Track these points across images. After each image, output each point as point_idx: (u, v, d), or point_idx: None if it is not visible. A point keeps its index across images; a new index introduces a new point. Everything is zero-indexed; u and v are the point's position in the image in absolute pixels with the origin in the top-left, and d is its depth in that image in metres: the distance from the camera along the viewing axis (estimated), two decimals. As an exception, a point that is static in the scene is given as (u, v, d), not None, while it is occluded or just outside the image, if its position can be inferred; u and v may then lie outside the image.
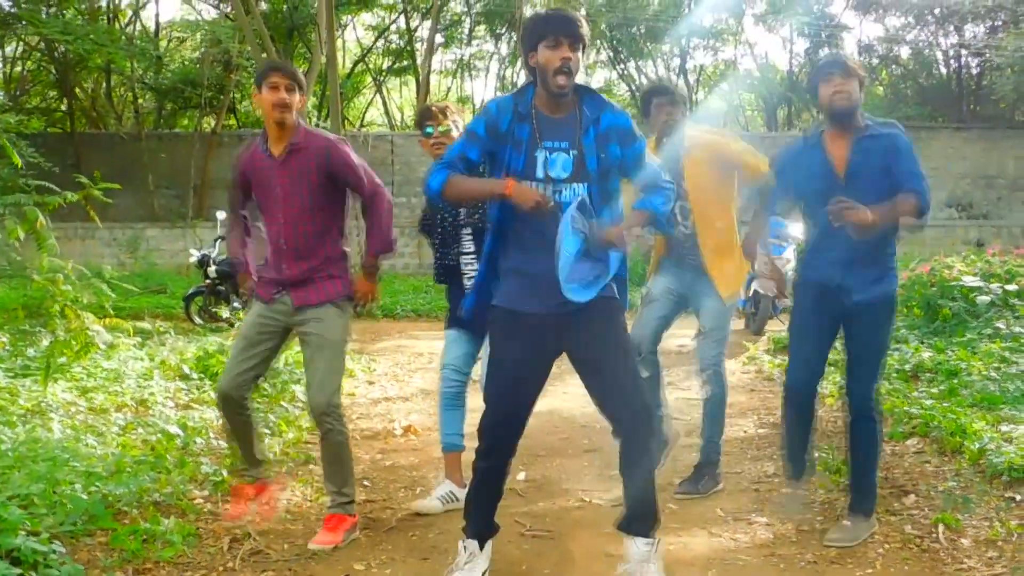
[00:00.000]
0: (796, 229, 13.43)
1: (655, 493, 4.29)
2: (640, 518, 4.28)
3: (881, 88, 32.56)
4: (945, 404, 7.07)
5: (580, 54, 4.04)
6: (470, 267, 5.41)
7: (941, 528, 4.94)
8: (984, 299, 10.48)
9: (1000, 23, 27.07)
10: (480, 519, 4.36)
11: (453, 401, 5.60)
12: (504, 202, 4.06)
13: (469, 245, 5.44)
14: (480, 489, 4.35)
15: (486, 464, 4.28)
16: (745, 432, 7.46)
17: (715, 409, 5.93)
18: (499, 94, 34.11)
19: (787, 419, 5.39)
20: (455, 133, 5.46)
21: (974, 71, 30.05)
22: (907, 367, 8.63)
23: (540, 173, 4.09)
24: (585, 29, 4.06)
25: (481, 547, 4.33)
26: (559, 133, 4.11)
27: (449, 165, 4.18)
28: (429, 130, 5.48)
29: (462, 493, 5.33)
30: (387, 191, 5.11)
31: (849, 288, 4.86)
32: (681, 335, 8.57)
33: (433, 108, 5.54)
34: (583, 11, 28.93)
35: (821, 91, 4.86)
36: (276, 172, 4.90)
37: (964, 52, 29.43)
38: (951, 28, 29.12)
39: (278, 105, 4.82)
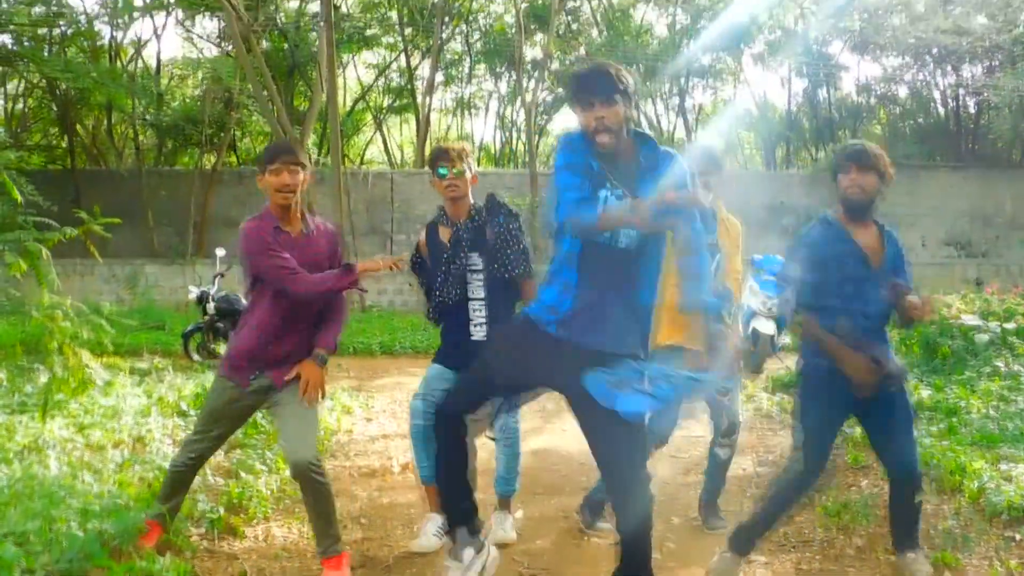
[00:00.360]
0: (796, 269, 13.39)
1: (648, 554, 4.23)
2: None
3: (879, 127, 32.71)
4: (944, 443, 7.05)
5: (618, 106, 3.99)
6: (478, 313, 5.43)
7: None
8: (983, 337, 10.49)
9: (997, 63, 27.21)
10: (456, 503, 4.35)
11: (427, 433, 5.57)
12: (590, 239, 4.03)
13: (480, 291, 5.45)
14: (446, 467, 4.33)
15: (443, 433, 4.26)
16: (744, 470, 7.44)
17: (727, 467, 5.96)
18: (499, 133, 34.37)
19: (780, 504, 5.05)
20: (468, 175, 5.49)
21: (972, 111, 30.21)
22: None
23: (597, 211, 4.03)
24: (615, 79, 3.99)
25: (471, 533, 4.30)
26: (620, 179, 4.07)
27: (590, 201, 4.02)
28: (443, 171, 5.46)
29: None
30: None
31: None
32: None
33: (450, 151, 5.50)
34: (583, 50, 29.12)
35: (840, 180, 4.88)
36: (299, 247, 4.93)
37: (962, 92, 29.59)
38: (949, 68, 29.28)
39: (282, 189, 4.86)
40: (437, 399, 5.44)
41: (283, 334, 4.92)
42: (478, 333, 5.43)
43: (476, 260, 5.44)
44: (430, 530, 5.50)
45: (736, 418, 5.78)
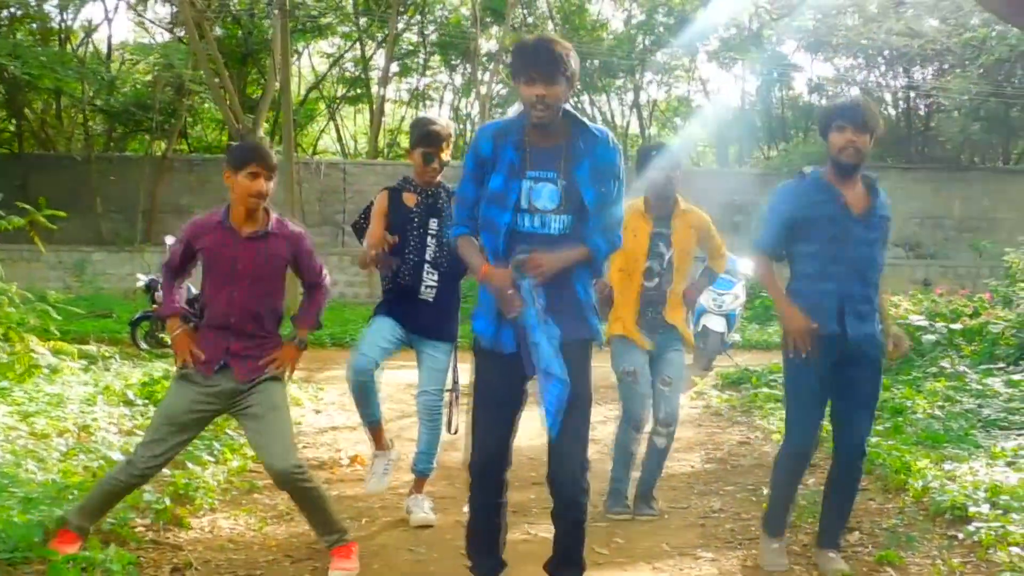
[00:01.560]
0: (745, 265, 13.55)
1: (582, 544, 4.25)
2: (564, 565, 4.26)
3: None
4: (890, 442, 7.12)
5: (561, 87, 3.94)
6: (431, 276, 5.62)
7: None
8: (930, 338, 10.63)
9: (947, 66, 27.50)
10: (486, 558, 4.33)
11: (366, 388, 5.70)
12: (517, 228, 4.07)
13: (431, 280, 5.61)
14: (480, 529, 4.32)
15: (483, 501, 4.25)
16: (692, 467, 7.47)
17: (664, 456, 6.13)
18: (453, 125, 34.28)
19: (786, 479, 5.12)
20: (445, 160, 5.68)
21: (922, 113, 30.52)
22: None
23: (525, 203, 4.03)
24: (560, 61, 3.93)
25: None
26: (547, 163, 4.05)
27: (466, 220, 4.22)
28: (430, 160, 5.60)
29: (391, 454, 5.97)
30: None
31: (845, 322, 4.76)
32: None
33: (439, 139, 5.62)
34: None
35: (832, 139, 4.77)
36: (241, 248, 4.70)
37: (912, 94, 29.89)
38: (900, 70, 29.57)
39: (255, 196, 4.64)
40: (376, 356, 5.56)
41: (235, 335, 4.71)
42: (427, 294, 5.60)
43: (434, 225, 5.60)
44: (379, 470, 6.02)
45: (673, 409, 5.99)
